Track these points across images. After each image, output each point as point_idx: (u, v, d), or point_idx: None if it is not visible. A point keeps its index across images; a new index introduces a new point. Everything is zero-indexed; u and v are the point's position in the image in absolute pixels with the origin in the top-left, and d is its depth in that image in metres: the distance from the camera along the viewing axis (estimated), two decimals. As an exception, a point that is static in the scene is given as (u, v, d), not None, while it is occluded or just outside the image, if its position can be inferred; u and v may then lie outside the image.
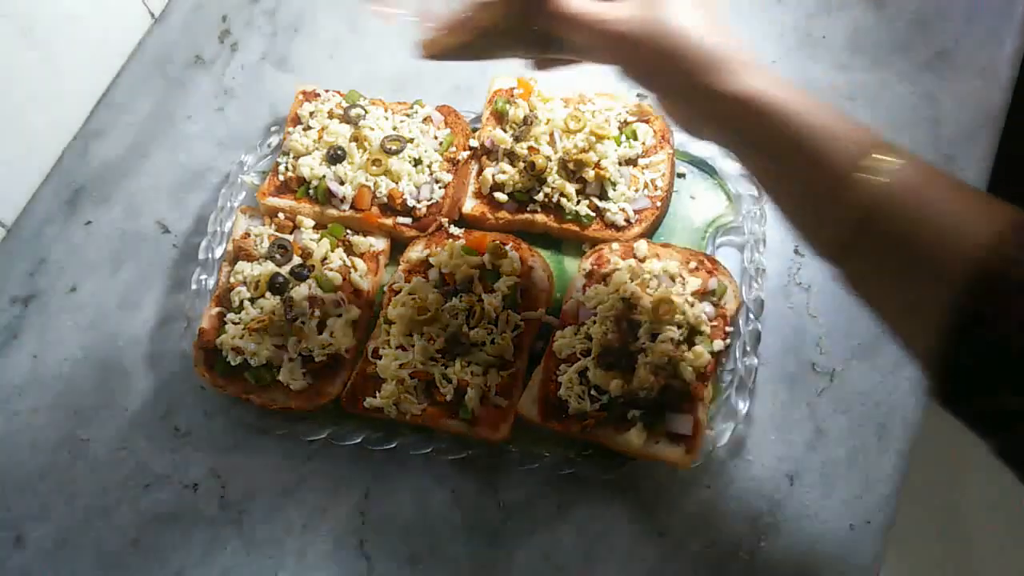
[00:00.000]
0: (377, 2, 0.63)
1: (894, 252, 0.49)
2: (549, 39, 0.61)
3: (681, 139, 0.85)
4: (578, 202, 0.82)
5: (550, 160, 0.83)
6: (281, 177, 0.86)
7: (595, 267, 0.80)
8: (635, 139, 0.84)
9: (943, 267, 0.46)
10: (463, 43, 0.62)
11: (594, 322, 0.75)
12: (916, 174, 0.49)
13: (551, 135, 0.84)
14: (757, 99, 0.52)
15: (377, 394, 0.75)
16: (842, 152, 0.50)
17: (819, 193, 0.51)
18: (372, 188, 0.84)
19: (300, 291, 0.79)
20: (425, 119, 0.88)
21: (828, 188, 0.50)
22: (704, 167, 0.86)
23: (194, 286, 0.84)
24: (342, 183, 0.84)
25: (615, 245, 0.80)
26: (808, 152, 0.51)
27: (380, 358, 0.76)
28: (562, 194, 0.82)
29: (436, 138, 0.87)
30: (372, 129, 0.86)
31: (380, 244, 0.84)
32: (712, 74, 0.53)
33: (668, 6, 0.54)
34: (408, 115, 0.88)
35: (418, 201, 0.84)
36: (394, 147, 0.84)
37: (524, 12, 0.60)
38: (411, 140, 0.85)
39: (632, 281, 0.76)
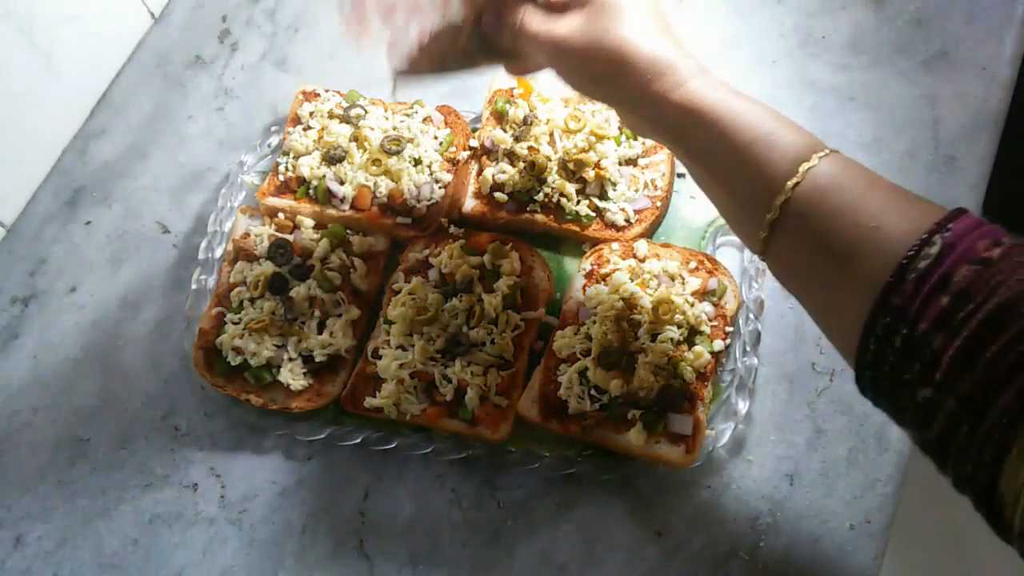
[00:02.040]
0: (350, 30, 0.64)
1: (819, 250, 0.50)
2: (513, 53, 0.63)
3: None
4: (578, 202, 0.82)
5: (550, 160, 0.83)
6: (281, 177, 0.86)
7: (595, 267, 0.79)
8: (635, 139, 0.84)
9: (867, 264, 0.47)
10: (431, 64, 0.65)
11: (594, 322, 0.75)
12: (850, 174, 0.50)
13: (551, 135, 0.84)
14: (699, 107, 0.53)
15: (377, 394, 0.75)
16: (780, 158, 0.51)
17: (755, 198, 0.52)
18: (372, 188, 0.84)
19: (300, 291, 0.79)
20: (425, 119, 0.88)
21: (764, 193, 0.52)
22: (704, 167, 0.85)
23: (194, 286, 0.84)
24: (342, 183, 0.84)
25: (615, 245, 0.80)
26: (746, 160, 0.52)
27: (380, 358, 0.76)
28: (562, 194, 0.82)
29: (436, 138, 0.87)
30: (372, 129, 0.86)
31: (380, 244, 0.84)
32: (657, 83, 0.54)
33: (615, 16, 0.55)
34: (408, 115, 0.88)
35: (418, 201, 0.84)
36: (394, 147, 0.84)
37: (488, 32, 0.62)
38: (411, 140, 0.85)
39: (632, 281, 0.76)
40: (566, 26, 0.57)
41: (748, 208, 0.54)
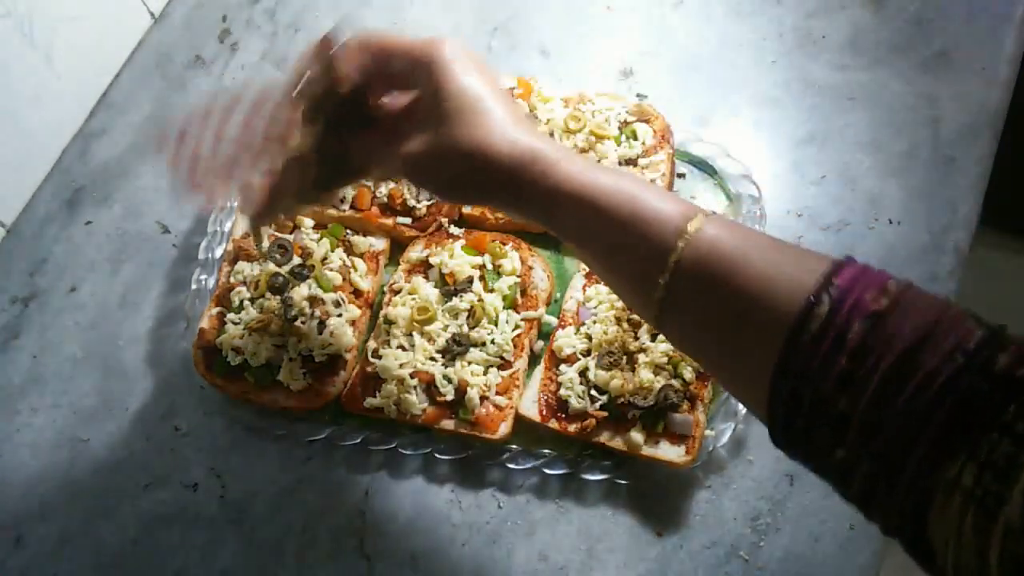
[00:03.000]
0: (187, 195, 0.62)
1: (715, 316, 0.49)
2: (366, 171, 0.63)
3: (681, 139, 0.85)
4: (578, 202, 0.82)
5: (550, 160, 0.82)
6: (281, 177, 0.86)
7: (595, 267, 0.79)
8: (635, 139, 0.84)
9: (762, 329, 0.46)
10: (286, 202, 0.62)
11: (594, 322, 0.75)
12: (733, 238, 0.49)
13: (551, 135, 0.84)
14: (570, 191, 0.52)
15: (377, 394, 0.75)
16: (660, 229, 0.50)
17: (641, 272, 0.51)
18: (372, 188, 0.84)
19: (300, 291, 0.79)
20: (425, 119, 0.88)
21: (649, 266, 0.50)
22: (704, 167, 0.85)
23: (194, 286, 0.84)
24: (342, 183, 0.84)
25: (615, 245, 0.80)
26: (628, 235, 0.51)
27: (380, 358, 0.76)
28: (562, 194, 0.82)
29: (436, 138, 0.87)
30: (372, 129, 0.86)
31: (380, 244, 0.84)
32: (523, 177, 0.53)
33: (459, 121, 0.53)
34: (408, 115, 0.88)
35: (418, 201, 0.84)
36: (394, 147, 0.84)
37: (340, 153, 0.60)
38: (411, 140, 0.85)
39: (632, 281, 0.76)
40: (412, 142, 0.55)
41: (636, 286, 0.52)
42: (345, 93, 0.58)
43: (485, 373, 0.75)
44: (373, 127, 0.60)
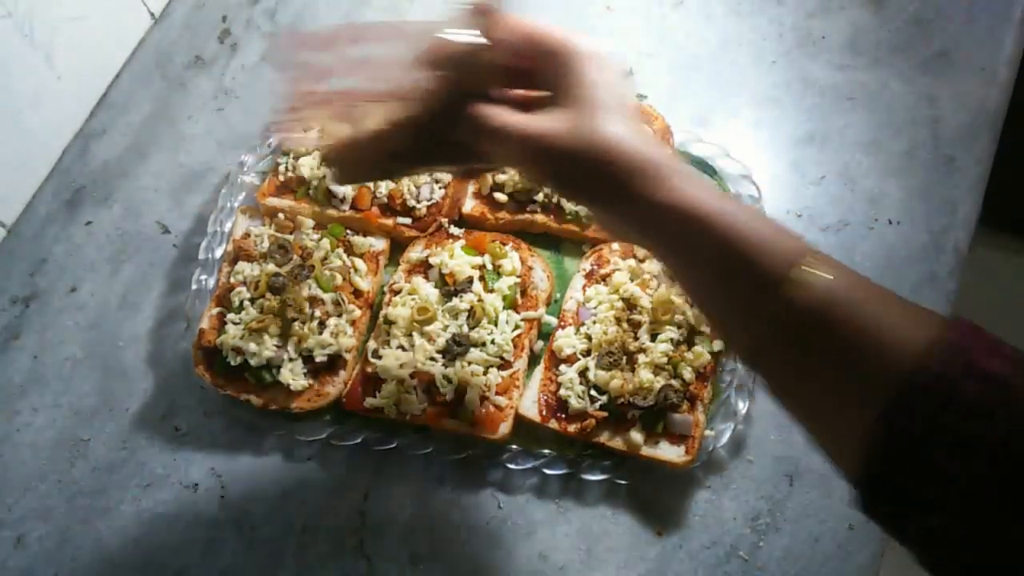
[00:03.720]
0: (282, 128, 0.58)
1: (817, 362, 0.48)
2: (471, 152, 0.57)
3: (681, 139, 0.85)
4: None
5: (550, 160, 0.82)
6: (281, 177, 0.87)
7: (595, 267, 0.80)
8: (635, 139, 0.84)
9: (867, 380, 0.45)
10: (378, 164, 0.59)
11: (594, 322, 0.75)
12: (845, 284, 0.48)
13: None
14: (686, 207, 0.51)
15: (377, 394, 0.75)
16: (770, 262, 0.49)
17: (744, 302, 0.50)
18: (372, 188, 0.84)
19: (300, 291, 0.79)
20: (425, 119, 0.88)
21: (754, 297, 0.49)
22: (704, 167, 0.85)
23: (194, 286, 0.84)
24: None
25: (615, 245, 0.80)
26: (735, 262, 0.50)
27: (380, 358, 0.76)
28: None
29: (436, 138, 0.87)
30: (372, 129, 0.86)
31: (380, 244, 0.84)
32: (642, 182, 0.52)
33: (600, 115, 0.53)
34: (408, 115, 0.88)
35: (418, 201, 0.84)
36: (394, 147, 0.84)
37: (444, 127, 0.56)
38: (411, 140, 0.85)
39: (632, 281, 0.76)
40: (547, 120, 0.54)
41: (737, 314, 0.51)
42: (486, 65, 0.55)
43: (485, 373, 0.75)
44: (493, 107, 0.56)
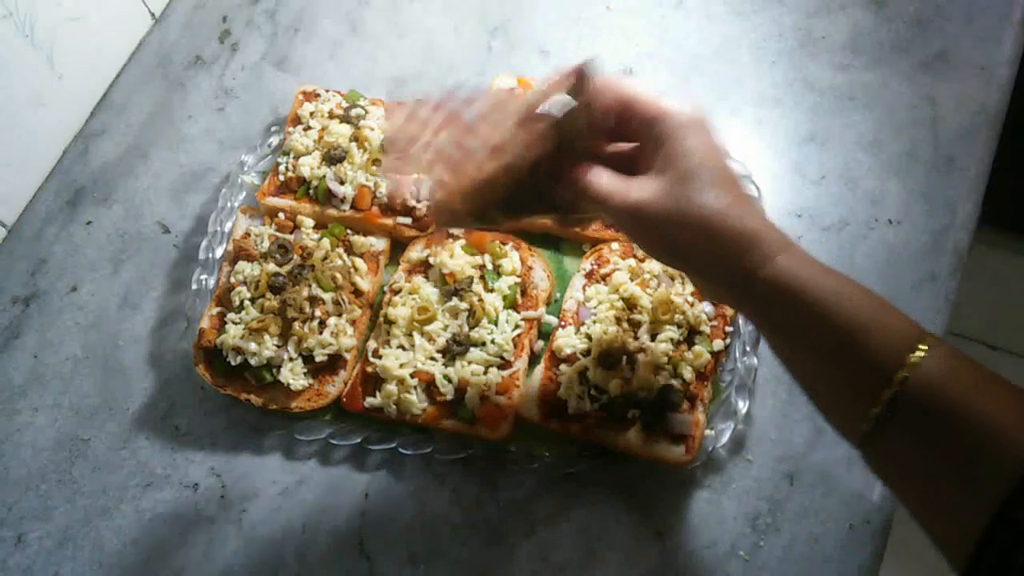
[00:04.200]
0: (391, 169, 0.61)
1: (932, 450, 0.47)
2: (570, 208, 0.59)
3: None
4: (578, 202, 0.82)
5: (550, 160, 0.83)
6: (281, 177, 0.87)
7: (595, 267, 0.80)
8: (635, 139, 0.84)
9: (985, 470, 0.44)
10: (478, 213, 0.61)
11: (594, 322, 0.75)
12: (962, 368, 0.47)
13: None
14: (791, 286, 0.50)
15: (377, 394, 0.75)
16: (885, 346, 0.47)
17: (856, 386, 0.49)
18: (372, 188, 0.84)
19: (300, 291, 0.79)
20: (425, 119, 0.88)
21: (867, 383, 0.48)
22: (704, 167, 0.85)
23: (194, 286, 0.84)
24: (342, 183, 0.84)
25: (615, 245, 0.80)
26: (847, 345, 0.48)
27: (380, 358, 0.76)
28: (562, 194, 0.82)
29: (436, 138, 0.87)
30: (372, 129, 0.86)
31: (380, 244, 0.84)
32: (744, 257, 0.51)
33: (698, 184, 0.52)
34: (408, 115, 0.88)
35: (418, 201, 0.84)
36: (394, 147, 0.84)
37: (544, 184, 0.58)
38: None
39: (632, 281, 0.76)
40: (643, 190, 0.54)
41: (847, 398, 0.50)
42: (585, 125, 0.57)
43: (485, 373, 0.75)
44: (596, 169, 0.57)
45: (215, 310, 0.81)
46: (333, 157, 0.85)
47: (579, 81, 0.55)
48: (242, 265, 0.82)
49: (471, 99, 0.60)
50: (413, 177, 0.62)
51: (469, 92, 0.60)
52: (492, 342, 0.76)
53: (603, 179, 0.56)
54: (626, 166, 0.57)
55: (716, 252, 0.52)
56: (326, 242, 0.82)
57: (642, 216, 0.54)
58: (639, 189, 0.54)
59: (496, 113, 0.58)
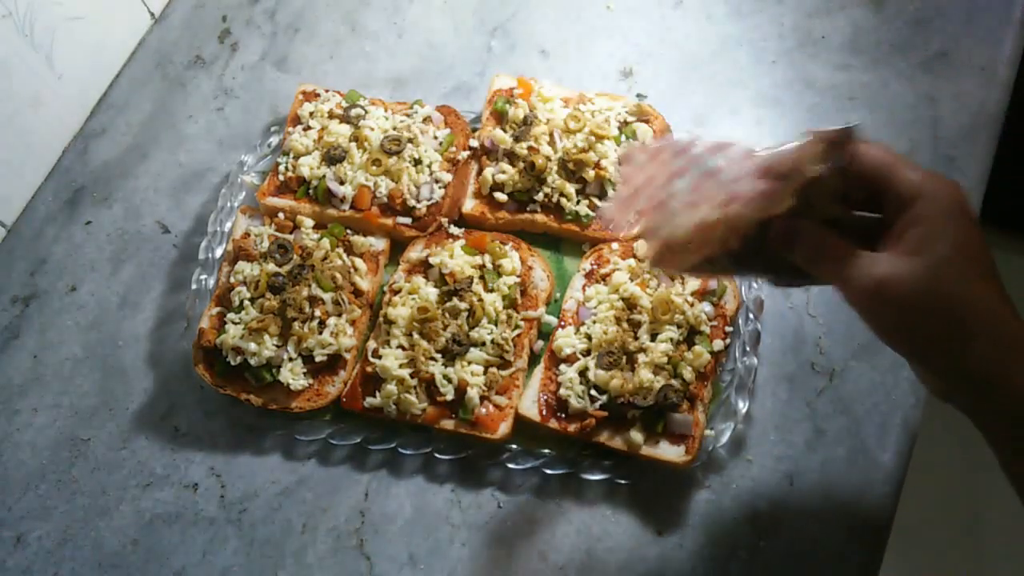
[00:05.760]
0: (618, 214, 0.61)
1: None
2: (797, 270, 0.55)
3: (681, 139, 0.85)
4: (578, 202, 0.82)
5: (550, 160, 0.83)
6: (281, 177, 0.86)
7: (595, 267, 0.80)
8: (635, 139, 0.84)
9: None
10: (696, 260, 0.58)
11: (594, 322, 0.75)
12: None
13: (551, 135, 0.84)
14: None
15: (377, 394, 0.75)
16: None
17: None
18: (372, 188, 0.84)
19: (300, 291, 0.79)
20: (425, 119, 0.88)
21: None
22: (704, 167, 0.85)
23: (194, 286, 0.84)
24: (342, 183, 0.84)
25: (615, 245, 0.80)
26: None
27: (380, 358, 0.76)
28: (562, 194, 0.82)
29: (436, 138, 0.87)
30: (372, 129, 0.86)
31: (380, 244, 0.84)
32: (999, 360, 0.47)
33: (952, 271, 0.48)
34: (408, 115, 0.88)
35: (418, 201, 0.84)
36: (394, 147, 0.84)
37: (778, 243, 0.54)
38: (411, 140, 0.85)
39: (632, 281, 0.76)
40: (890, 267, 0.49)
41: None
42: (833, 191, 0.54)
43: (485, 373, 0.75)
44: (834, 237, 0.53)
45: (215, 310, 0.81)
46: (333, 157, 0.85)
47: (838, 144, 0.52)
48: (242, 265, 0.82)
49: (717, 147, 0.57)
50: (633, 215, 0.60)
51: (715, 140, 0.58)
52: (492, 342, 0.76)
53: (845, 249, 0.52)
54: (858, 237, 0.53)
55: (964, 347, 0.48)
56: (326, 242, 0.82)
57: (885, 295, 0.50)
58: (885, 265, 0.50)
59: (741, 163, 0.56)
